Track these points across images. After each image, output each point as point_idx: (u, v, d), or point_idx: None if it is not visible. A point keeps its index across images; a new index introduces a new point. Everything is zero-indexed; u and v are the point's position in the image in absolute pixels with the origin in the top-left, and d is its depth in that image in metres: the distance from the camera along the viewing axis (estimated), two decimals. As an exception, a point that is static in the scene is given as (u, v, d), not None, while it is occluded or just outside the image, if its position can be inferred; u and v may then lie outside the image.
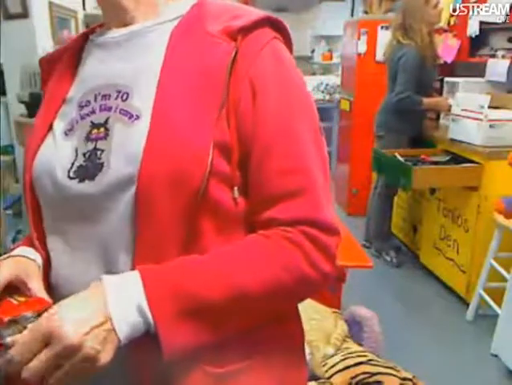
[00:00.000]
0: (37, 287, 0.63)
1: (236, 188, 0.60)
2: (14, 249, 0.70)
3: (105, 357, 0.51)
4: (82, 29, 3.27)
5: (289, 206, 0.59)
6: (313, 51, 7.04)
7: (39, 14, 2.70)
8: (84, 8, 3.45)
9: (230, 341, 0.59)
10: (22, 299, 0.61)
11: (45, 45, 2.68)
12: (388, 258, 3.23)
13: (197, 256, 0.57)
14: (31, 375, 0.50)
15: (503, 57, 2.83)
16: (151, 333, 0.53)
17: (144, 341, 0.54)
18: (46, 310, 0.54)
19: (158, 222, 0.56)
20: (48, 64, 0.75)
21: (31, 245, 0.68)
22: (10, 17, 2.60)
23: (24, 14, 2.61)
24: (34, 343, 0.50)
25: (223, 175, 0.58)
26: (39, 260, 0.67)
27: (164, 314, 0.53)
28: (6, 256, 0.67)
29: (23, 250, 0.68)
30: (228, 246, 0.59)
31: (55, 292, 0.64)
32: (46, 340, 0.50)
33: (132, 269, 0.56)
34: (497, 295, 2.26)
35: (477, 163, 2.49)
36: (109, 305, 0.52)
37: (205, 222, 0.58)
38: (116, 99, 0.62)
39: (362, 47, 3.86)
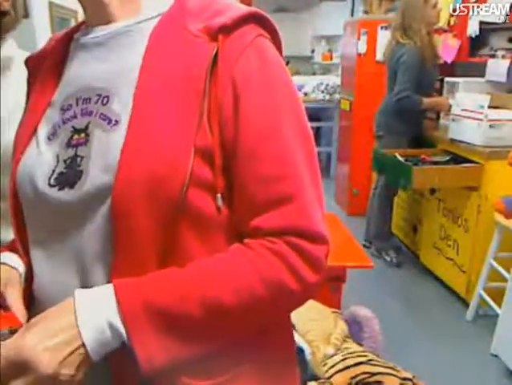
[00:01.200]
0: (13, 299, 0.61)
1: (219, 196, 0.57)
2: None
3: (80, 376, 0.52)
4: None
5: (275, 215, 0.55)
6: (313, 51, 7.06)
7: (39, 14, 2.70)
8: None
9: (215, 352, 0.56)
10: None
11: (45, 45, 2.68)
12: (388, 258, 3.23)
13: (174, 268, 0.55)
14: None
15: (503, 57, 2.83)
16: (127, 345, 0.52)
17: (124, 355, 0.52)
18: (16, 330, 0.53)
19: (136, 232, 0.53)
20: (34, 67, 0.72)
21: (15, 250, 0.67)
22: (10, 17, 2.60)
23: (24, 14, 2.60)
24: (7, 374, 0.49)
25: (205, 182, 0.56)
26: (21, 267, 0.65)
27: (138, 331, 0.51)
28: None
29: (4, 257, 0.66)
30: (208, 258, 0.56)
31: (36, 298, 0.63)
32: (21, 370, 0.49)
33: (109, 279, 0.55)
34: (497, 295, 2.27)
35: (477, 163, 2.49)
36: (81, 327, 0.50)
37: (186, 232, 0.56)
38: (97, 102, 0.59)
39: (362, 47, 3.86)
